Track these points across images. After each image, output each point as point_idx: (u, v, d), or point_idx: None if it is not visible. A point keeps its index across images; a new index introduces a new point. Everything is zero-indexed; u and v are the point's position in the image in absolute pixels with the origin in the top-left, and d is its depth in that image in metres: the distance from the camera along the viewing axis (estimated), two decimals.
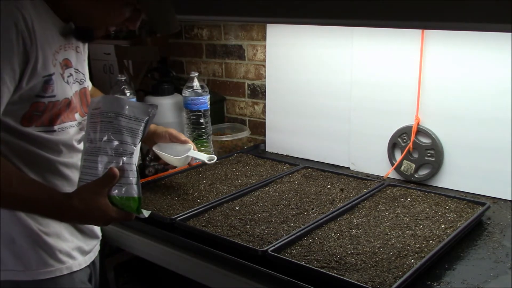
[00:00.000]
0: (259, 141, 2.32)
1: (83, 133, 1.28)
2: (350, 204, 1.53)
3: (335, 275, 1.16)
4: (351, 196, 1.60)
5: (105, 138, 1.16)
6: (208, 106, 2.05)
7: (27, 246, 1.21)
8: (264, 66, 2.23)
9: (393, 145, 1.81)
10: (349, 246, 1.30)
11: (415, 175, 1.76)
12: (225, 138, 2.20)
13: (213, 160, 1.65)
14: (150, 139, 1.61)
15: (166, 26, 1.26)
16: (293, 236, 1.33)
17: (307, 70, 2.02)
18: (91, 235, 1.37)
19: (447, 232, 1.35)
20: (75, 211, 1.13)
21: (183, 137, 1.62)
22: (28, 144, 1.18)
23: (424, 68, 1.70)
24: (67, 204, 1.13)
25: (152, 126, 1.58)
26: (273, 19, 1.64)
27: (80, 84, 1.29)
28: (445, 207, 1.50)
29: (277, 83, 2.13)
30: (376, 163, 1.86)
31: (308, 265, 1.21)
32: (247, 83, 2.37)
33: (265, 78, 2.23)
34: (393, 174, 1.81)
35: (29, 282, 1.21)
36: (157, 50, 2.73)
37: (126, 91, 2.05)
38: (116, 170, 1.14)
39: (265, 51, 2.18)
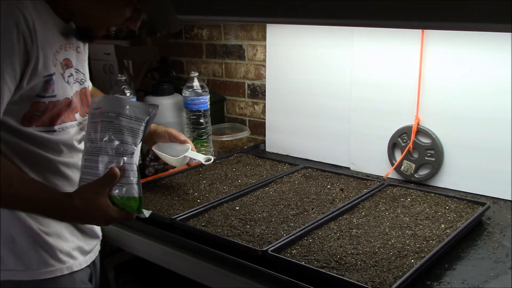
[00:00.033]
0: (259, 141, 2.32)
1: (83, 133, 1.28)
2: (350, 204, 1.53)
3: (335, 275, 1.16)
4: (351, 196, 1.60)
5: (106, 138, 1.16)
6: (208, 106, 2.05)
7: (28, 246, 1.21)
8: (264, 66, 2.23)
9: (393, 145, 1.81)
10: (349, 246, 1.30)
11: (415, 175, 1.76)
12: (225, 138, 2.20)
13: (210, 161, 1.65)
14: (150, 139, 1.61)
15: (167, 26, 1.26)
16: (293, 236, 1.33)
17: (307, 70, 2.02)
18: (91, 235, 1.37)
19: (447, 232, 1.35)
20: (75, 211, 1.13)
21: (182, 137, 1.63)
22: (29, 144, 1.18)
23: (424, 68, 1.70)
24: (67, 204, 1.13)
25: (152, 126, 1.58)
26: (273, 19, 1.64)
27: (81, 84, 1.29)
28: (445, 207, 1.50)
29: (277, 83, 2.13)
30: (376, 163, 1.86)
31: (308, 265, 1.21)
32: (247, 83, 2.37)
33: (265, 78, 2.23)
34: (393, 174, 1.81)
35: (29, 282, 1.21)
36: (157, 50, 2.74)
37: (126, 91, 2.06)
38: (117, 170, 1.14)
39: (265, 51, 2.18)
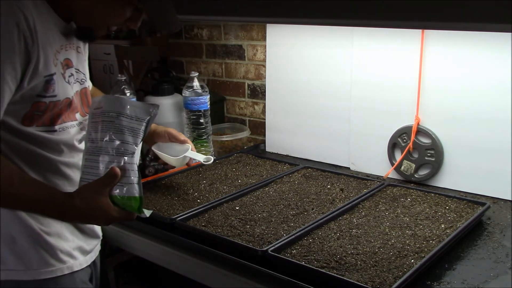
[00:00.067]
0: (259, 141, 2.32)
1: (84, 132, 1.28)
2: (350, 204, 1.53)
3: (335, 275, 1.16)
4: (351, 196, 1.60)
5: (106, 138, 1.16)
6: (208, 106, 2.05)
7: (28, 246, 1.21)
8: (264, 66, 2.23)
9: (393, 145, 1.81)
10: (349, 246, 1.30)
11: (415, 175, 1.77)
12: (225, 138, 2.20)
13: (210, 161, 1.65)
14: (149, 139, 1.61)
15: (167, 26, 1.26)
16: (293, 236, 1.33)
17: (307, 70, 2.02)
18: (92, 235, 1.37)
19: (447, 232, 1.35)
20: (76, 210, 1.13)
21: (182, 137, 1.63)
22: (29, 144, 1.18)
23: (424, 68, 1.70)
24: (68, 204, 1.13)
25: (152, 126, 1.58)
26: (273, 19, 1.64)
27: (81, 84, 1.29)
28: (445, 207, 1.50)
29: (277, 83, 2.13)
30: (376, 163, 1.86)
31: (308, 265, 1.21)
32: (247, 83, 2.37)
33: (265, 78, 2.23)
34: (393, 174, 1.81)
35: (30, 282, 1.21)
36: (157, 50, 2.74)
37: (126, 91, 2.06)
38: (118, 170, 1.14)
39: (265, 51, 2.18)
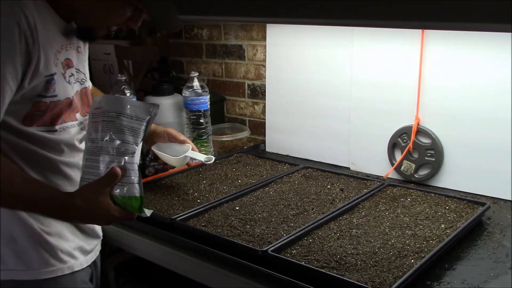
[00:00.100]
0: (259, 141, 2.32)
1: (84, 132, 1.28)
2: (350, 204, 1.53)
3: (335, 275, 1.16)
4: (351, 196, 1.60)
5: (106, 138, 1.16)
6: (208, 106, 2.05)
7: (29, 246, 1.21)
8: (264, 66, 2.24)
9: (393, 145, 1.81)
10: (349, 246, 1.30)
11: (415, 175, 1.77)
12: (225, 138, 2.20)
13: (211, 160, 1.65)
14: (149, 139, 1.61)
15: (167, 25, 1.26)
16: (293, 236, 1.34)
17: (307, 70, 2.02)
18: (92, 235, 1.37)
19: (447, 232, 1.35)
20: (77, 210, 1.13)
21: (182, 137, 1.63)
22: (30, 144, 1.18)
23: (424, 68, 1.70)
24: (69, 204, 1.13)
25: (152, 126, 1.58)
26: (273, 19, 1.64)
27: (81, 84, 1.29)
28: (445, 207, 1.50)
29: (277, 83, 2.13)
30: (376, 163, 1.86)
31: (308, 265, 1.21)
32: (247, 83, 2.37)
33: (265, 78, 2.23)
34: (393, 174, 1.81)
35: (30, 282, 1.21)
36: (157, 50, 2.74)
37: (126, 91, 2.06)
38: (118, 170, 1.14)
39: (265, 51, 2.19)
